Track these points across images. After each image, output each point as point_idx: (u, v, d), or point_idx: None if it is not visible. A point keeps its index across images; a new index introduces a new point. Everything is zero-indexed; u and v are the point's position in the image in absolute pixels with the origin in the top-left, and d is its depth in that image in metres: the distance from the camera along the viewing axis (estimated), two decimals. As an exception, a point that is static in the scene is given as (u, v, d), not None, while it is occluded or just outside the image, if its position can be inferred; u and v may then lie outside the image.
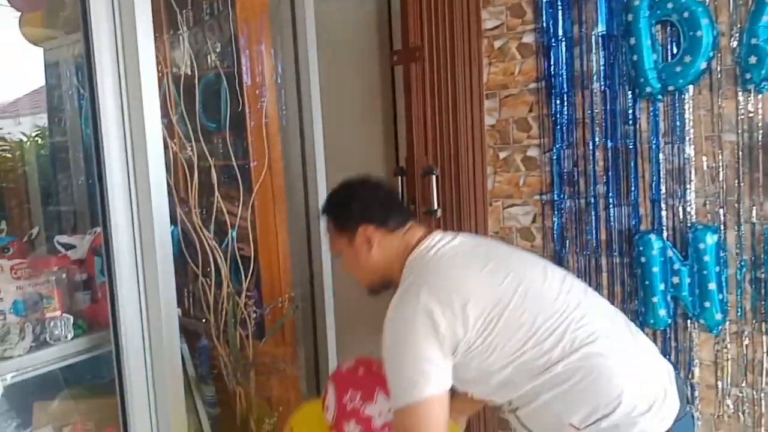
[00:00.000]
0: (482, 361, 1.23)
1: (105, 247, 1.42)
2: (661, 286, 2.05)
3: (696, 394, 2.08)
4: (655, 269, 2.05)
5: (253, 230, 1.89)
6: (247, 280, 1.89)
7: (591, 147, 2.17)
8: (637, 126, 2.11)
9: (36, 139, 3.30)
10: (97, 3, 1.46)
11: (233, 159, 2.00)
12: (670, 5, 1.99)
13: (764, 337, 1.98)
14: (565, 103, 2.19)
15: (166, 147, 1.70)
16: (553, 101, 2.21)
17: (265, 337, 1.99)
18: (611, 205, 2.16)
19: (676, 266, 2.04)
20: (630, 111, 2.11)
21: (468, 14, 2.23)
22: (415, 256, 1.36)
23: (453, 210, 2.27)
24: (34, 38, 2.68)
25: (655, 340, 2.10)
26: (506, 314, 1.23)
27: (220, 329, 1.79)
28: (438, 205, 2.26)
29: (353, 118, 2.62)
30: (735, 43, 1.95)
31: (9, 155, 3.70)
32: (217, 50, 2.30)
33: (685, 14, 1.97)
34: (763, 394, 2.00)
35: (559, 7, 2.17)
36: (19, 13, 2.78)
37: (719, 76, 1.98)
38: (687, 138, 2.04)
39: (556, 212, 2.24)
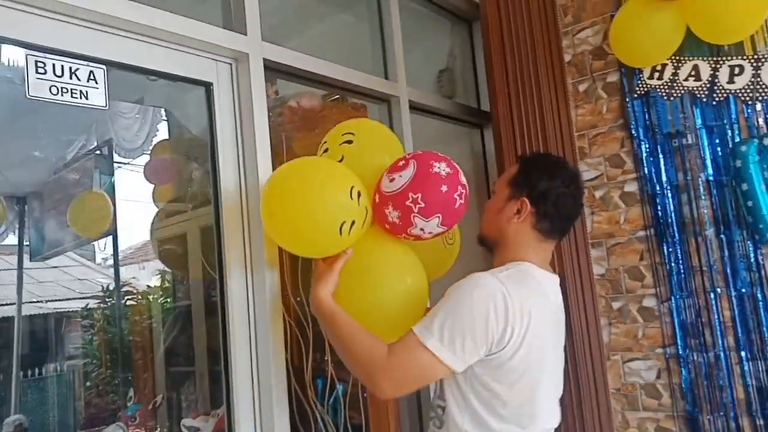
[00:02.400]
0: (488, 382, 1.25)
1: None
2: (821, 455, 1.81)
3: None
4: (810, 434, 1.82)
5: (363, 397, 1.89)
6: (360, 453, 1.86)
7: (713, 296, 2.04)
8: (762, 273, 1.98)
9: (161, 291, 3.52)
10: (227, 181, 1.62)
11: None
12: (781, 149, 1.93)
13: None
14: (679, 251, 2.11)
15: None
16: (665, 249, 2.13)
17: None
18: (744, 359, 1.99)
19: (835, 431, 1.80)
20: (752, 257, 2.00)
21: (566, 168, 2.26)
22: (526, 267, 1.33)
23: (568, 365, 2.16)
24: (164, 211, 2.98)
25: None
26: (539, 376, 1.28)
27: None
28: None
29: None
30: None
31: (135, 303, 3.96)
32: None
33: (800, 157, 1.90)
34: None
35: (660, 156, 2.16)
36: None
37: None
38: (822, 285, 1.88)
39: (683, 367, 2.08)
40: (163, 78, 1.60)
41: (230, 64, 1.67)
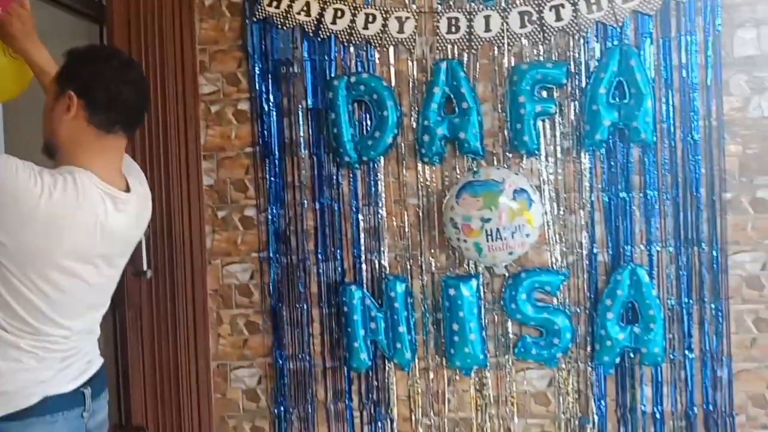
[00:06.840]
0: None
1: None
2: (362, 332, 2.30)
3: (395, 427, 2.35)
4: (356, 317, 2.29)
5: None
6: None
7: (301, 208, 2.37)
8: (341, 190, 2.37)
9: None
10: None
11: None
12: (362, 87, 2.30)
13: (445, 371, 2.34)
14: (277, 168, 2.37)
15: None
16: (267, 165, 2.37)
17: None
18: (321, 261, 2.38)
19: (373, 313, 2.31)
20: (334, 177, 2.37)
21: (183, 78, 2.29)
22: (81, 174, 1.27)
23: (166, 270, 2.25)
24: None
25: (358, 383, 2.35)
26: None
27: None
28: (148, 265, 2.22)
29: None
30: (414, 123, 2.33)
31: None
32: None
33: (375, 96, 2.30)
34: (446, 421, 2.34)
35: (271, 80, 2.37)
36: None
37: (403, 150, 2.35)
38: (380, 202, 2.35)
39: (272, 269, 2.38)
40: None
41: None
